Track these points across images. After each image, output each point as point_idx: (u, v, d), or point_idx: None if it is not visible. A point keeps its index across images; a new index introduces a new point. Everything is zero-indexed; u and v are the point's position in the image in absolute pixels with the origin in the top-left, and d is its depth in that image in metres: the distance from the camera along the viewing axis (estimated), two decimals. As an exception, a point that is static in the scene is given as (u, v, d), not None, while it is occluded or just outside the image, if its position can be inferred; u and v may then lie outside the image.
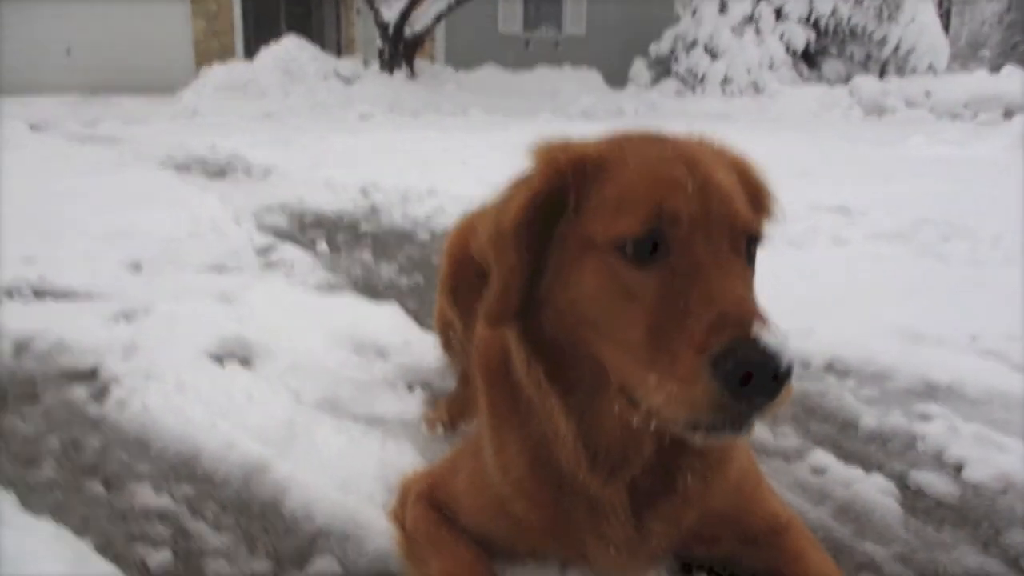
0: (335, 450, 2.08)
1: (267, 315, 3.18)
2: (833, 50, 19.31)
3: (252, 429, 2.20)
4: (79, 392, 2.57)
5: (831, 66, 19.19)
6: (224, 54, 20.27)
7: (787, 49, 19.25)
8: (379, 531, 1.75)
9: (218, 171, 7.74)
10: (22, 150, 8.80)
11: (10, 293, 3.52)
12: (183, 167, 7.93)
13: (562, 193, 1.28)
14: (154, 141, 10.02)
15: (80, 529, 1.83)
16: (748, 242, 1.24)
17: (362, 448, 2.09)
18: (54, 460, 2.17)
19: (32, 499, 1.97)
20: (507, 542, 1.55)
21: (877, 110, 15.24)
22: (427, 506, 1.64)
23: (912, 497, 1.99)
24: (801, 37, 19.33)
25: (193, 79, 17.76)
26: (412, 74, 18.76)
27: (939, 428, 2.26)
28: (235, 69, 17.94)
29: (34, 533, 1.78)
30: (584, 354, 1.28)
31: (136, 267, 3.98)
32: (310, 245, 4.63)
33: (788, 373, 1.05)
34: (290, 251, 4.43)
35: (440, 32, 20.79)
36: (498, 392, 1.48)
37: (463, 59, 20.52)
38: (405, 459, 2.04)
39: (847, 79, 18.44)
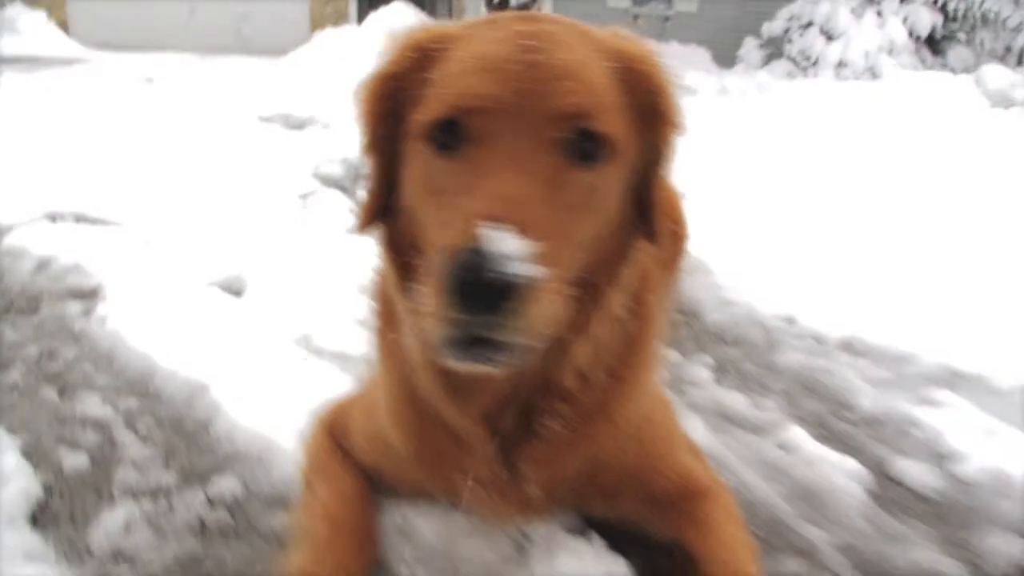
0: (278, 380, 2.04)
1: (279, 251, 3.18)
2: (961, 37, 17.92)
3: (209, 353, 2.18)
4: (73, 308, 2.63)
5: (957, 54, 17.84)
6: (338, 19, 20.70)
7: (910, 34, 18.01)
8: (290, 458, 1.69)
9: (298, 124, 7.87)
10: (126, 97, 9.24)
11: (53, 218, 3.67)
12: (267, 119, 8.10)
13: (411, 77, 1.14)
14: (249, 96, 10.32)
15: (17, 428, 1.87)
16: (586, 137, 1.05)
17: (306, 380, 2.04)
18: (25, 366, 2.23)
19: (-9, 397, 2.02)
20: (392, 476, 1.46)
21: (1005, 102, 14.06)
22: (326, 434, 1.57)
23: (886, 486, 1.77)
24: (927, 21, 18.03)
25: (306, 43, 18.24)
26: (515, 45, 18.69)
27: (944, 417, 2.02)
28: (344, 34, 18.31)
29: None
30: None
31: (177, 201, 4.07)
32: (354, 194, 4.63)
33: (507, 286, 0.88)
34: (332, 197, 4.43)
35: (547, 3, 20.59)
36: (382, 313, 1.38)
37: (568, 32, 20.25)
38: (342, 392, 1.98)
39: (974, 69, 17.02)
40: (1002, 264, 3.40)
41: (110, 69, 12.62)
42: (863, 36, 18.10)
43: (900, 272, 3.35)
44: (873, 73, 18.14)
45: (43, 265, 3.04)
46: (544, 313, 0.93)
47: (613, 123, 1.07)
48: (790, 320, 2.67)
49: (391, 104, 1.16)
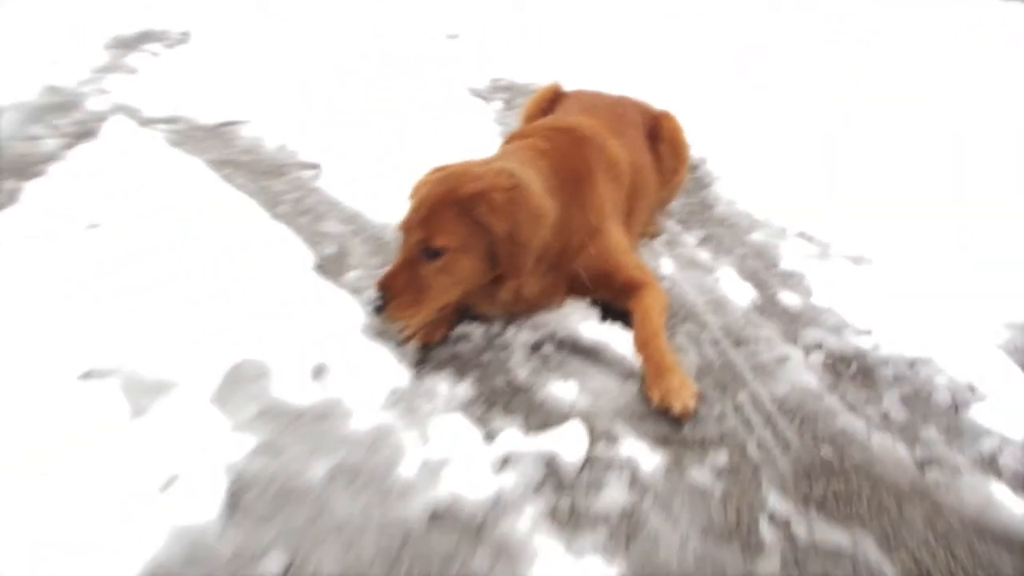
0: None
1: (432, 141, 4.62)
2: None
3: (387, 204, 3.70)
4: (307, 174, 4.23)
5: None
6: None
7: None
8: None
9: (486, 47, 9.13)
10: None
11: (280, 113, 5.28)
12: (452, 36, 9.42)
13: None
14: (440, 12, 11.56)
15: (295, 232, 3.44)
16: (428, 247, 2.33)
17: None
18: (287, 205, 3.83)
19: (277, 218, 3.62)
20: None
21: None
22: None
23: (767, 302, 3.07)
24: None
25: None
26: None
27: (830, 277, 3.25)
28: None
29: (273, 229, 3.42)
30: None
31: (362, 98, 5.56)
32: (488, 101, 5.99)
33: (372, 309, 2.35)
34: (475, 106, 5.80)
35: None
36: None
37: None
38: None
39: None
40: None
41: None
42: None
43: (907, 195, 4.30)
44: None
45: (281, 147, 4.66)
46: (398, 319, 2.36)
47: (445, 239, 2.34)
48: (772, 216, 3.88)
49: None
